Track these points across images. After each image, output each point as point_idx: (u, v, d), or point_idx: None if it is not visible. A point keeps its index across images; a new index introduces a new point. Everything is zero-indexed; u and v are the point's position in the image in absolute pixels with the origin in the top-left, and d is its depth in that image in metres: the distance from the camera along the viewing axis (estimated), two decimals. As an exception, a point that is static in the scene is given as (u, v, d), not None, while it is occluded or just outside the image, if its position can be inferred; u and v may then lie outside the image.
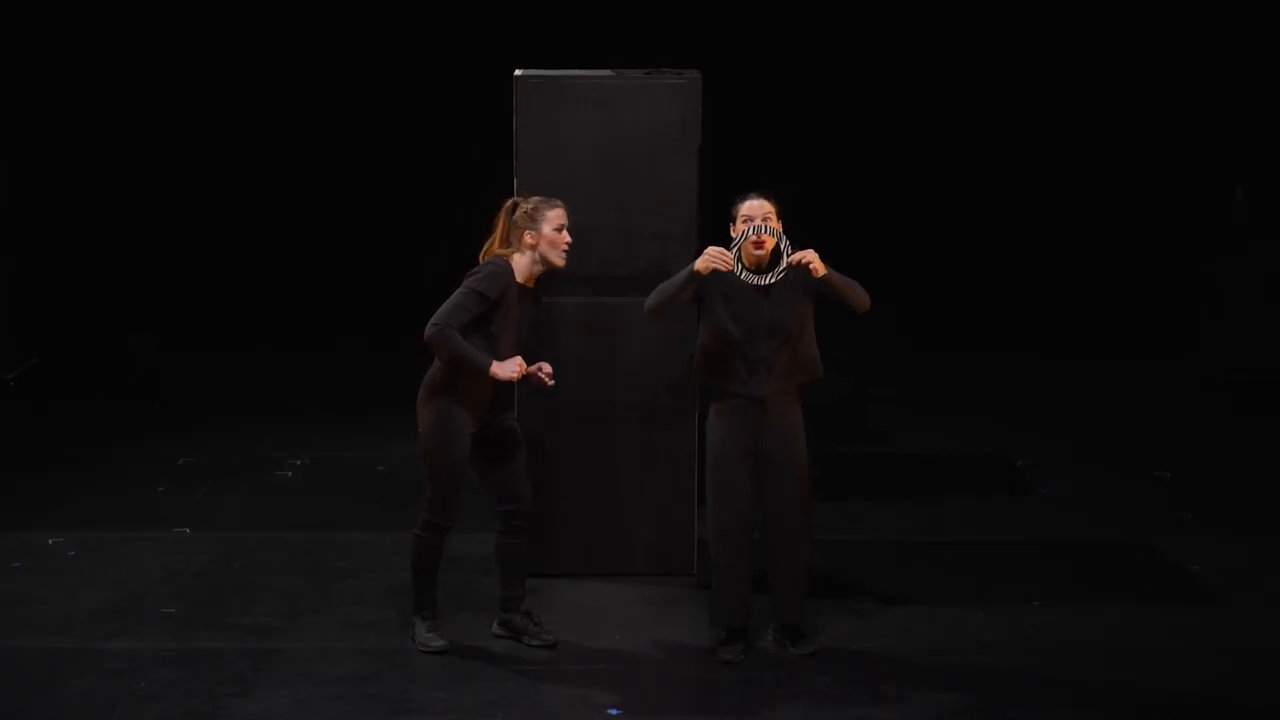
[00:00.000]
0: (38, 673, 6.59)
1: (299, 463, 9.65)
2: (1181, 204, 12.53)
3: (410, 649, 6.85)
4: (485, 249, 6.76)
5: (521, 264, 6.69)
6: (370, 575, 7.78)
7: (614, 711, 6.29)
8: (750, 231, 6.45)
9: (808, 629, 6.81)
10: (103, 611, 7.27)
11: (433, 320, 6.54)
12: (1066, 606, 7.40)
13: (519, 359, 6.59)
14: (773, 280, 6.43)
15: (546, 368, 6.77)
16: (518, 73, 7.64)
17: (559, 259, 6.70)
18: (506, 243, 6.72)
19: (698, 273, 6.43)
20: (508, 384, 6.71)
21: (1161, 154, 12.58)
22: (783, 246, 6.44)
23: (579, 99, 7.57)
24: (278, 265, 12.73)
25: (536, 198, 6.76)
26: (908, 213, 12.83)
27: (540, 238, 6.66)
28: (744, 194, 6.59)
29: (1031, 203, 12.84)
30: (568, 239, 6.71)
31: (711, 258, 6.36)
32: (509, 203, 6.77)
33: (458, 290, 6.60)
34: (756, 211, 6.51)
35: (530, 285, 6.74)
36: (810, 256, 6.37)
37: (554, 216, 6.68)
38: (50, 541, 8.19)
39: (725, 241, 6.60)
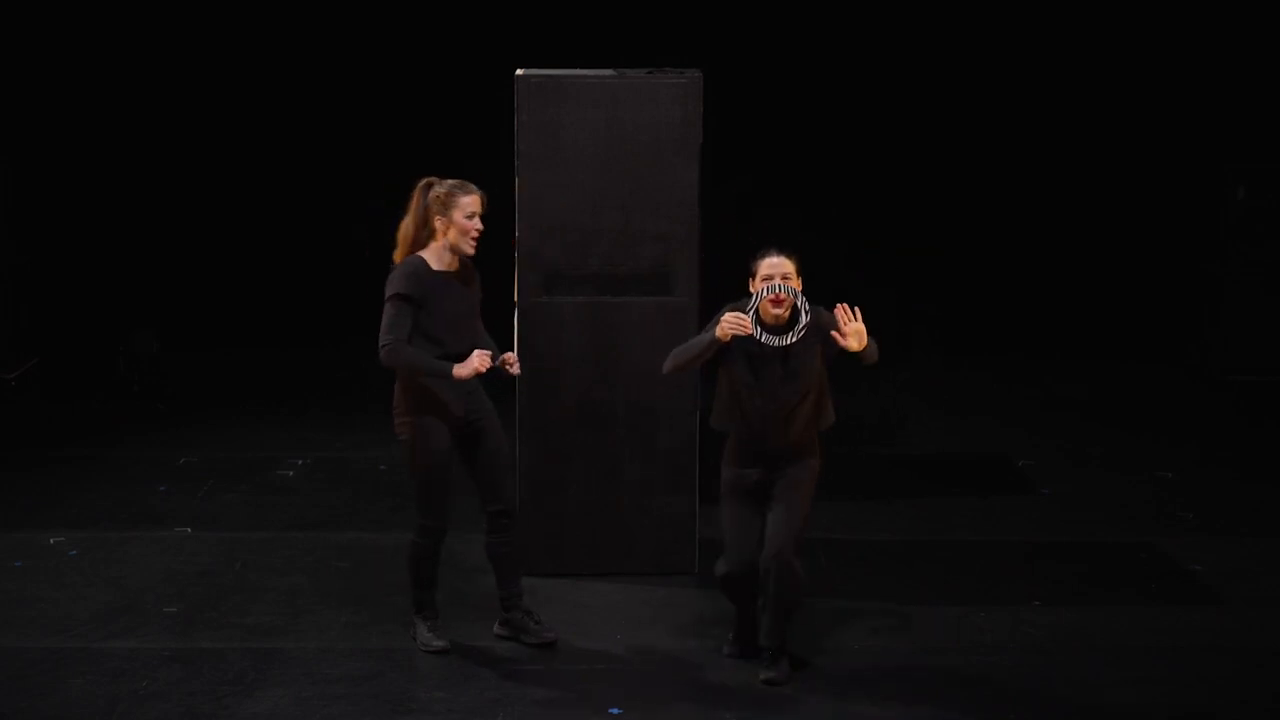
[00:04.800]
0: (38, 673, 6.59)
1: (300, 462, 9.66)
2: (1181, 203, 12.53)
3: (411, 648, 6.85)
4: (400, 228, 6.62)
5: (434, 253, 6.58)
6: (371, 575, 7.78)
7: (614, 711, 6.29)
8: (767, 290, 6.42)
9: (790, 650, 6.70)
10: (103, 611, 7.27)
11: (380, 342, 6.46)
12: (1067, 606, 7.41)
13: (479, 353, 6.47)
14: (792, 340, 6.43)
15: (510, 356, 6.65)
16: (519, 72, 7.64)
17: (469, 247, 6.57)
18: (421, 222, 6.58)
19: (718, 339, 6.41)
20: (481, 378, 6.63)
21: (1161, 154, 12.58)
22: (800, 304, 6.43)
23: (580, 98, 7.57)
24: (278, 264, 12.73)
25: (451, 181, 6.61)
26: (908, 213, 12.83)
27: (450, 224, 6.54)
28: (764, 250, 6.51)
29: (1032, 203, 12.84)
30: (479, 227, 6.56)
31: (730, 324, 6.33)
32: (423, 182, 6.62)
33: (385, 303, 6.51)
34: (776, 270, 6.45)
35: (454, 270, 6.60)
36: (856, 335, 6.36)
37: (466, 204, 6.54)
38: (51, 541, 8.20)
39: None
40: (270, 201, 12.72)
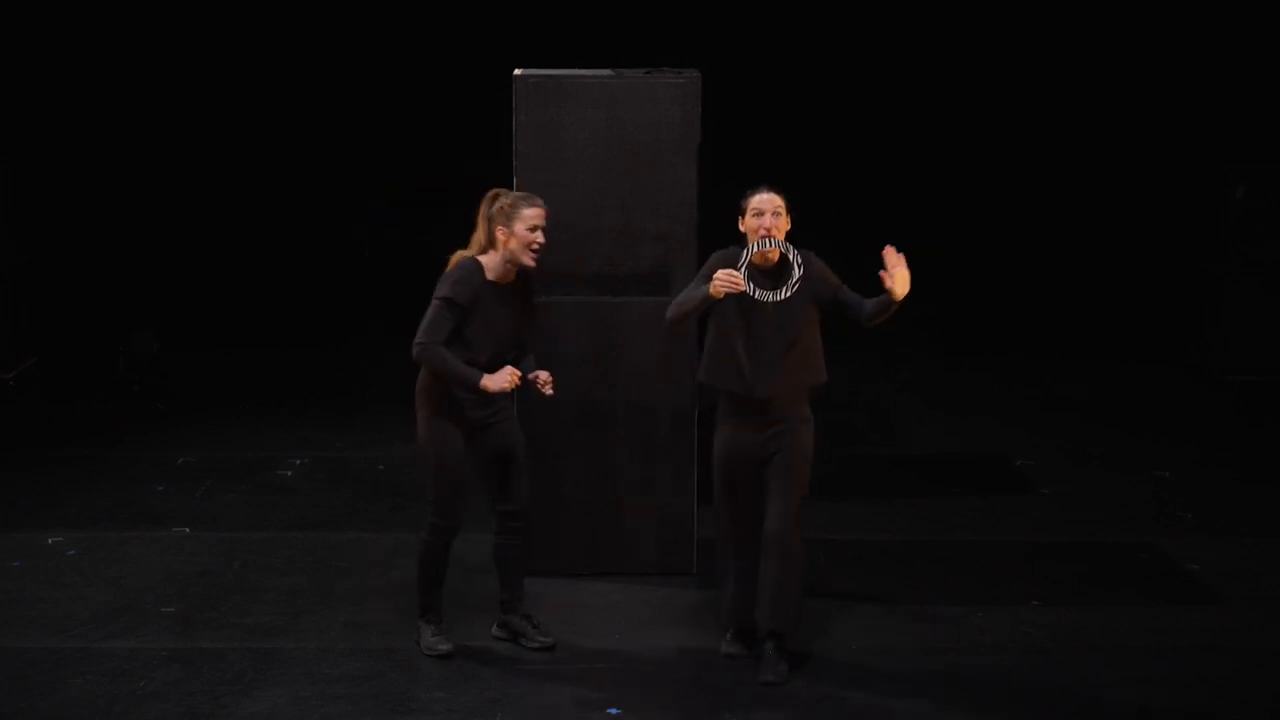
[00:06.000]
0: (38, 673, 6.59)
1: (299, 462, 9.65)
2: (1181, 203, 12.53)
3: (410, 648, 6.84)
4: (472, 239, 6.66)
5: (493, 262, 6.60)
6: (370, 575, 7.78)
7: (614, 711, 6.29)
8: (756, 246, 6.45)
9: (791, 638, 6.69)
10: (103, 611, 7.27)
11: (417, 339, 6.47)
12: (1066, 606, 7.40)
13: (509, 370, 6.48)
14: (786, 295, 6.43)
15: (544, 375, 6.66)
16: (517, 72, 7.64)
17: (529, 259, 6.58)
18: (489, 235, 6.61)
19: (711, 296, 6.40)
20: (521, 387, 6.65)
21: (1161, 153, 12.58)
22: (790, 256, 6.45)
23: (579, 98, 7.57)
24: (278, 264, 12.74)
25: (517, 193, 6.66)
26: (908, 213, 12.83)
27: (512, 235, 6.55)
28: (754, 187, 6.56)
29: (1032, 204, 12.84)
30: (540, 240, 6.58)
31: (722, 282, 6.34)
32: (491, 193, 6.65)
33: (432, 301, 6.53)
34: (766, 205, 6.48)
35: (507, 282, 6.63)
36: (902, 281, 6.38)
37: (530, 216, 6.56)
38: (50, 541, 8.19)
39: (729, 238, 6.59)
40: (270, 202, 12.73)
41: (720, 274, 6.35)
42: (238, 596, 7.48)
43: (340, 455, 9.85)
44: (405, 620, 7.10)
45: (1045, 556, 8.10)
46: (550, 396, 6.73)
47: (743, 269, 6.42)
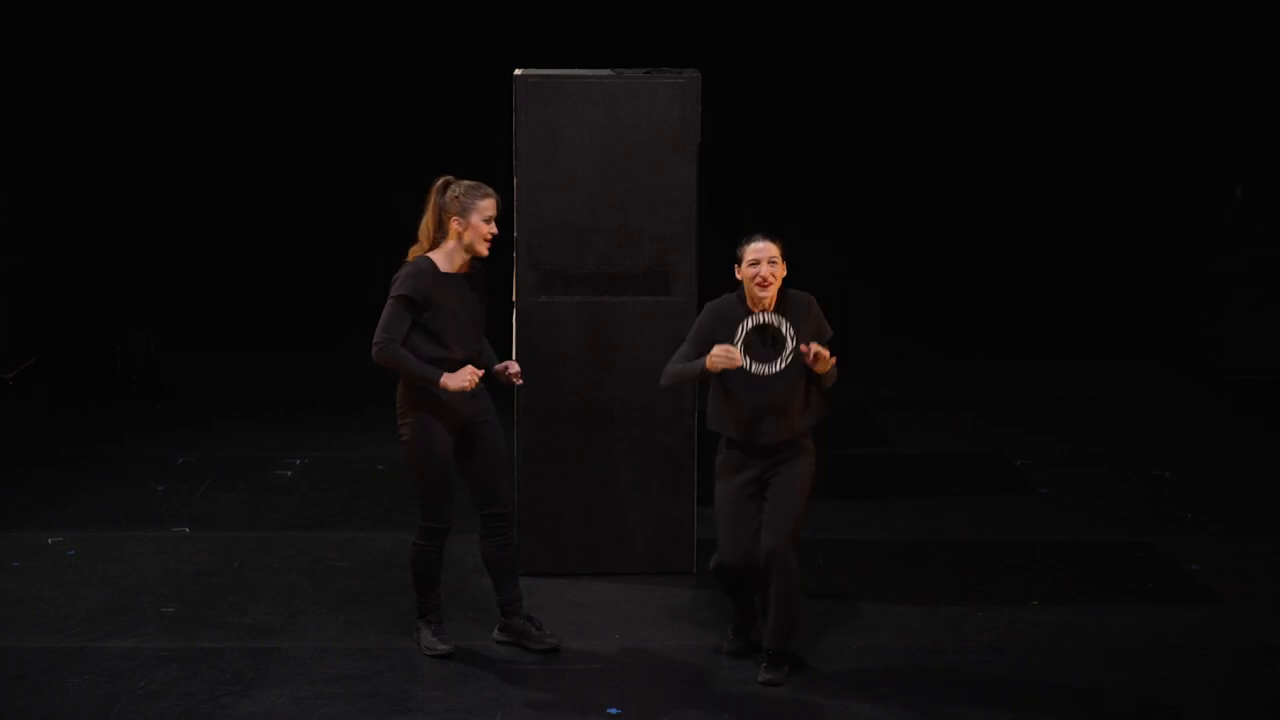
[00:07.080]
0: (36, 672, 6.58)
1: (298, 462, 9.65)
2: (1180, 203, 12.53)
3: (409, 648, 6.84)
4: (420, 227, 6.64)
5: (444, 254, 6.59)
6: (369, 575, 7.78)
7: (614, 711, 6.29)
8: (750, 323, 6.43)
9: (790, 651, 6.69)
10: (101, 611, 7.27)
11: (374, 339, 6.47)
12: (1066, 606, 7.40)
13: (469, 368, 6.46)
14: (782, 367, 6.43)
15: (513, 367, 6.70)
16: (517, 72, 7.64)
17: (484, 249, 6.58)
18: (438, 224, 6.60)
19: (708, 370, 6.43)
20: (485, 381, 6.64)
21: (1160, 153, 12.58)
22: (783, 329, 6.43)
23: (578, 98, 7.57)
24: (276, 264, 12.73)
25: (468, 183, 6.61)
26: (908, 212, 12.83)
27: (467, 226, 6.54)
28: (749, 235, 6.54)
29: (1031, 202, 12.84)
30: (494, 230, 6.57)
31: (719, 358, 6.36)
32: (440, 182, 6.62)
33: (387, 300, 6.52)
34: (761, 254, 6.46)
35: (462, 272, 6.60)
36: (823, 359, 6.39)
37: (484, 207, 6.54)
38: (49, 541, 8.19)
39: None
40: (268, 201, 12.72)
41: (717, 350, 6.37)
42: (236, 596, 7.48)
43: (338, 455, 9.85)
44: (403, 620, 7.10)
45: (1044, 556, 8.10)
46: (520, 386, 6.73)
47: (739, 345, 6.41)
